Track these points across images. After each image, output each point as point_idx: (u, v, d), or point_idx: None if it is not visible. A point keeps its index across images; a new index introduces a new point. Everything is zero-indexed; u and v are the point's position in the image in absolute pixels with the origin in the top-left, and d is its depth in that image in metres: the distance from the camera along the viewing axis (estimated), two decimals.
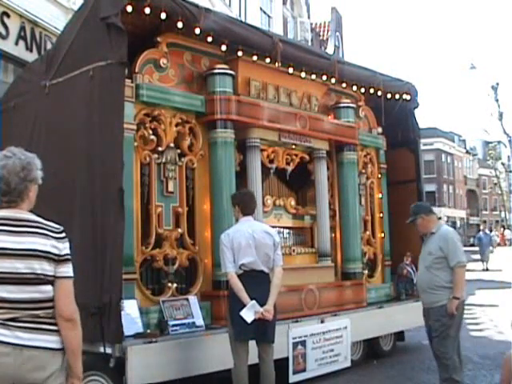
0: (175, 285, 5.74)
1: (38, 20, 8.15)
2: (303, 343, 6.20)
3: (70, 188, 5.07)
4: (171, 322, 5.31)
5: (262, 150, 6.62)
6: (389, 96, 8.15)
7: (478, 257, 25.96)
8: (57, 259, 2.55)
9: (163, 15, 5.40)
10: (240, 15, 16.20)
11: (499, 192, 47.97)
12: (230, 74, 6.24)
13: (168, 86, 5.91)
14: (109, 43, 5.00)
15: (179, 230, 5.84)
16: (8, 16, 7.71)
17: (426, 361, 7.13)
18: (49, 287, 2.54)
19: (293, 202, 7.20)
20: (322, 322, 6.53)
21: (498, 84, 34.77)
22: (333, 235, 7.59)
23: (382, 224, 8.47)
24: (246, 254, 4.94)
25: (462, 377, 5.37)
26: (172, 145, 5.87)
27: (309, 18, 23.75)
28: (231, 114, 6.09)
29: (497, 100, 34.60)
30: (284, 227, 7.06)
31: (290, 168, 7.07)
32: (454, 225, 49.22)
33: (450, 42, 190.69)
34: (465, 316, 5.53)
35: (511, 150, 34.01)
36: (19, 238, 2.52)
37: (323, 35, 26.74)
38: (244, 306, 4.79)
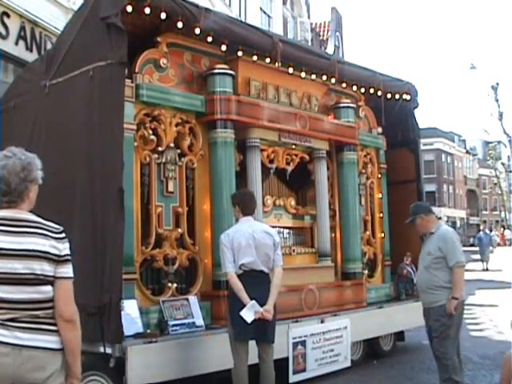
0: (175, 285, 5.74)
1: (38, 20, 8.15)
2: (303, 343, 6.20)
3: (69, 188, 5.07)
4: (171, 322, 5.31)
5: (262, 150, 6.62)
6: (389, 96, 8.15)
7: (478, 257, 25.96)
8: (56, 259, 2.55)
9: (163, 15, 5.40)
10: (240, 15, 16.20)
11: (499, 192, 47.97)
12: (230, 74, 6.24)
13: (168, 86, 5.91)
14: (109, 43, 5.00)
15: (179, 230, 5.84)
16: (8, 16, 7.71)
17: (426, 361, 7.13)
18: (48, 288, 2.54)
19: (293, 202, 7.20)
20: (322, 322, 6.54)
21: (498, 84, 34.81)
22: (333, 235, 7.59)
23: (382, 224, 8.48)
24: (245, 254, 4.94)
25: (462, 377, 5.37)
26: (172, 145, 5.87)
27: (309, 17, 23.74)
28: (231, 114, 6.09)
29: (497, 100, 34.63)
30: (284, 227, 7.06)
31: (290, 168, 7.07)
32: (453, 225, 49.23)
33: (450, 41, 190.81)
34: (465, 316, 5.53)
35: (511, 150, 34.01)
36: (19, 238, 2.52)
37: (323, 35, 26.73)
38: (244, 306, 4.79)
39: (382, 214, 8.49)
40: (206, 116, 6.09)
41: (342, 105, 7.76)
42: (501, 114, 34.07)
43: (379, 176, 8.54)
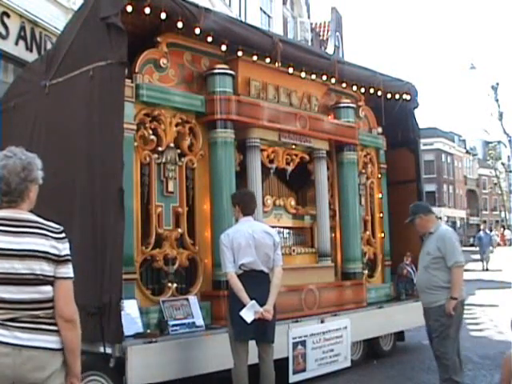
0: (175, 285, 5.74)
1: (38, 20, 8.15)
2: (303, 343, 6.20)
3: (69, 188, 5.07)
4: (171, 322, 5.31)
5: (262, 150, 6.62)
6: (389, 96, 8.15)
7: (478, 257, 25.96)
8: (56, 260, 2.55)
9: (163, 15, 5.40)
10: (240, 15, 16.20)
11: (499, 192, 47.97)
12: (230, 74, 6.24)
13: (168, 86, 5.91)
14: (109, 43, 5.00)
15: (179, 230, 5.84)
16: (8, 16, 7.71)
17: (426, 361, 7.13)
18: (48, 288, 2.54)
19: (293, 202, 7.20)
20: (322, 322, 6.54)
21: (498, 84, 34.83)
22: (333, 235, 7.59)
23: (382, 224, 8.48)
24: (245, 254, 4.94)
25: (463, 377, 5.37)
26: (172, 145, 5.87)
27: (309, 17, 23.74)
28: (231, 114, 6.09)
29: (497, 100, 34.65)
30: (284, 227, 7.06)
31: (290, 168, 7.07)
32: (453, 225, 49.22)
33: (450, 41, 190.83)
34: (465, 316, 5.53)
35: (511, 150, 34.01)
36: (18, 238, 2.52)
37: (323, 35, 26.73)
38: (244, 306, 4.79)
39: (382, 214, 8.49)
40: (205, 116, 6.09)
41: (341, 105, 7.76)
42: (501, 114, 34.09)
43: (379, 176, 8.54)
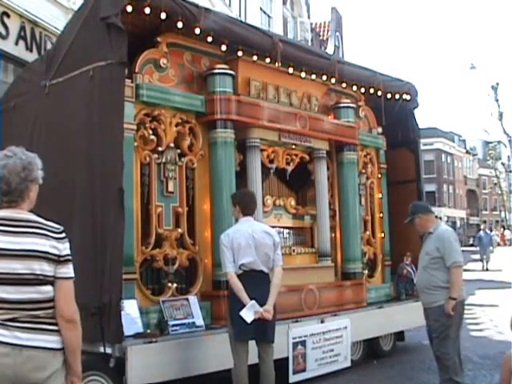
0: (175, 285, 5.74)
1: (38, 20, 8.15)
2: (303, 343, 6.20)
3: (70, 188, 5.07)
4: (171, 322, 5.31)
5: (262, 150, 6.62)
6: (389, 96, 8.15)
7: (478, 257, 25.95)
8: (57, 260, 2.55)
9: (163, 15, 5.40)
10: (240, 15, 16.20)
11: (499, 192, 47.96)
12: (230, 74, 6.24)
13: (168, 86, 5.91)
14: (109, 43, 5.00)
15: (179, 230, 5.84)
16: (8, 16, 7.71)
17: (426, 361, 7.13)
18: (48, 288, 2.54)
19: (293, 202, 7.20)
20: (322, 322, 6.54)
21: (498, 84, 34.81)
22: (333, 235, 7.59)
23: (382, 224, 8.48)
24: (245, 254, 4.94)
25: (463, 378, 5.36)
26: (172, 145, 5.87)
27: (309, 17, 23.74)
28: (231, 114, 6.09)
29: (497, 100, 34.63)
30: (284, 227, 7.05)
31: (290, 168, 7.07)
32: (453, 225, 49.22)
33: (450, 41, 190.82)
34: (465, 316, 5.53)
35: (511, 150, 33.99)
36: (19, 238, 2.52)
37: (323, 35, 26.73)
38: (244, 306, 4.79)
39: (382, 214, 8.49)
40: (205, 116, 6.09)
41: (342, 105, 7.76)
42: (501, 114, 34.07)
43: (379, 176, 8.54)
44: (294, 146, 7.07)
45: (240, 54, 6.29)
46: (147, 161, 5.65)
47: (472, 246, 38.70)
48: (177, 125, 5.92)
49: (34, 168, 2.62)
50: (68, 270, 2.59)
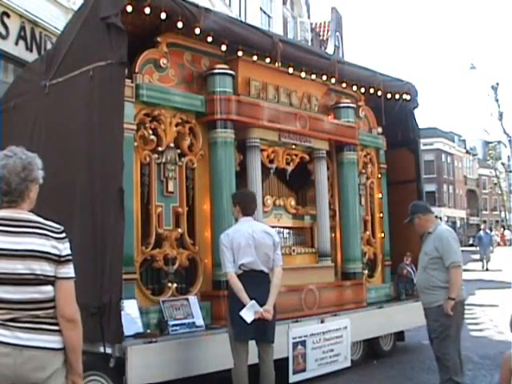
0: (175, 285, 5.74)
1: (38, 20, 8.15)
2: (303, 343, 6.20)
3: (70, 188, 5.07)
4: (171, 322, 5.31)
5: (262, 150, 6.62)
6: (389, 96, 8.15)
7: (478, 257, 25.94)
8: (57, 260, 2.55)
9: (163, 15, 5.40)
10: (240, 15, 16.20)
11: (499, 192, 47.95)
12: (230, 74, 6.24)
13: (168, 86, 5.91)
14: (109, 43, 5.00)
15: (179, 230, 5.84)
16: (8, 16, 7.71)
17: (426, 361, 7.13)
18: (49, 288, 2.54)
19: (293, 202, 7.20)
20: (322, 322, 6.53)
21: (498, 84, 34.81)
22: (333, 235, 7.59)
23: (382, 224, 8.47)
24: (245, 254, 4.94)
25: (463, 378, 5.36)
26: (172, 145, 5.87)
27: (309, 18, 23.74)
28: (231, 114, 6.09)
29: (497, 100, 34.63)
30: (284, 227, 7.05)
31: (290, 168, 7.07)
32: (453, 225, 49.21)
33: (450, 41, 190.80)
34: (465, 316, 5.52)
35: (511, 150, 33.99)
36: (19, 238, 2.52)
37: (323, 35, 26.73)
38: (244, 306, 4.79)
39: (382, 214, 8.49)
40: (205, 116, 6.09)
41: (342, 105, 7.76)
42: (501, 114, 34.07)
43: (379, 176, 8.54)
44: (293, 146, 7.07)
45: (240, 53, 6.29)
46: (147, 161, 5.65)
47: (472, 245, 38.68)
48: (177, 125, 5.92)
49: (34, 168, 2.62)
50: (69, 270, 2.59)
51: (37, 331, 2.51)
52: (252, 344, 4.99)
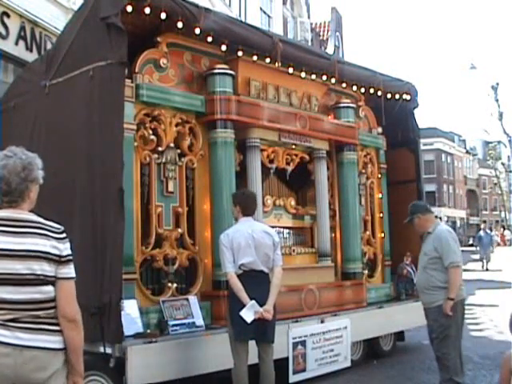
0: (175, 285, 5.74)
1: (38, 20, 8.15)
2: (303, 343, 6.20)
3: (70, 188, 5.07)
4: (171, 322, 5.31)
5: (262, 150, 6.62)
6: (389, 96, 8.15)
7: (478, 257, 25.92)
8: (58, 260, 2.55)
9: (163, 15, 5.40)
10: (240, 15, 16.20)
11: (499, 192, 47.95)
12: (230, 74, 6.24)
13: (168, 86, 5.91)
14: (109, 43, 5.00)
15: (179, 230, 5.84)
16: (8, 16, 7.71)
17: (426, 361, 7.13)
18: (49, 288, 2.54)
19: (293, 202, 7.20)
20: (322, 322, 6.53)
21: (498, 84, 34.80)
22: (333, 235, 7.59)
23: (382, 224, 8.47)
24: (245, 254, 4.94)
25: (464, 378, 5.36)
26: (172, 145, 5.87)
27: (309, 17, 23.74)
28: (231, 114, 6.09)
29: (497, 100, 34.63)
30: (284, 227, 7.05)
31: (290, 168, 7.07)
32: (453, 225, 49.21)
33: (450, 41, 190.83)
34: (465, 316, 5.51)
35: (511, 150, 33.98)
36: (19, 238, 2.51)
37: (323, 35, 26.73)
38: (244, 306, 4.79)
39: (382, 214, 8.49)
40: (205, 116, 6.09)
41: (341, 105, 7.76)
42: (501, 114, 34.07)
43: (379, 176, 8.54)
44: (294, 146, 7.07)
45: (240, 53, 6.29)
46: (147, 161, 5.65)
47: (472, 246, 38.67)
48: (177, 125, 5.92)
49: (34, 168, 2.62)
50: (69, 270, 2.59)
51: (37, 331, 2.50)
52: (252, 344, 4.99)
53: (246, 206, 5.15)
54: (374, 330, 7.39)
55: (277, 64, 6.48)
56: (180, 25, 5.59)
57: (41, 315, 2.53)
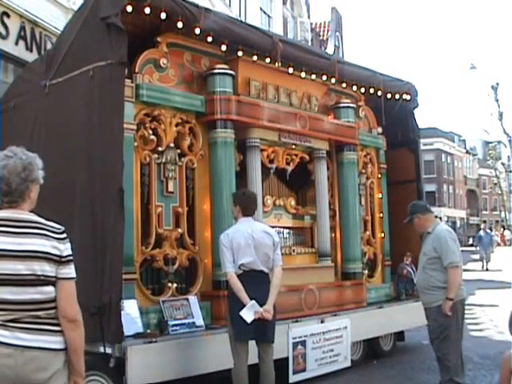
0: (175, 285, 5.74)
1: (38, 20, 8.15)
2: (303, 343, 6.20)
3: (70, 188, 5.07)
4: (171, 322, 5.31)
5: (262, 150, 6.62)
6: (389, 96, 8.15)
7: (478, 257, 25.91)
8: (58, 260, 2.55)
9: (163, 15, 5.40)
10: (240, 15, 16.20)
11: (499, 192, 47.95)
12: (230, 74, 6.24)
13: (168, 86, 5.91)
14: (109, 43, 5.00)
15: (179, 230, 5.84)
16: (8, 16, 7.71)
17: (426, 361, 7.13)
18: (50, 288, 2.53)
19: (293, 202, 7.20)
20: (322, 322, 6.54)
21: (498, 84, 34.82)
22: (333, 235, 7.59)
23: (382, 224, 8.47)
24: (245, 254, 4.94)
25: (464, 378, 5.35)
26: (172, 145, 5.87)
27: (309, 17, 23.75)
28: (231, 114, 6.09)
29: (497, 100, 34.64)
30: (284, 227, 7.05)
31: (290, 168, 7.07)
32: (453, 225, 49.21)
33: (450, 41, 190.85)
34: (465, 316, 5.51)
35: (511, 150, 33.99)
36: (20, 239, 2.51)
37: (323, 35, 26.74)
38: (244, 306, 4.79)
39: (382, 214, 8.49)
40: (205, 116, 6.09)
41: (342, 105, 7.76)
42: (501, 114, 34.08)
43: (379, 176, 8.54)
44: (294, 146, 7.07)
45: (240, 53, 6.29)
46: (147, 161, 5.65)
47: (472, 246, 38.66)
48: (177, 125, 5.92)
49: (34, 168, 2.61)
50: (70, 271, 2.58)
51: (38, 332, 2.50)
52: (252, 344, 4.99)
53: (246, 206, 5.15)
54: (374, 329, 7.39)
55: (277, 64, 6.48)
56: (180, 25, 5.59)
57: (41, 315, 2.52)
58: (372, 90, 7.91)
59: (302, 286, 6.59)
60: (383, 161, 8.59)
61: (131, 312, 5.05)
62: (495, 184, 49.49)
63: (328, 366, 6.52)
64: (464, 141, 60.75)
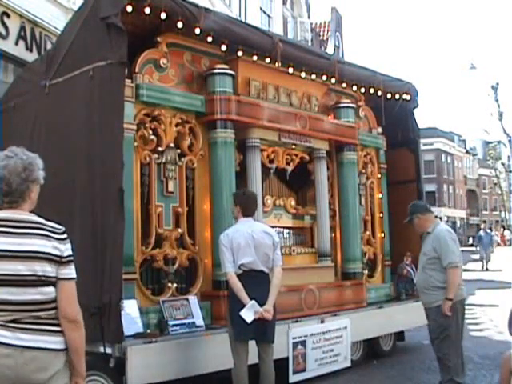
0: (175, 285, 5.74)
1: (38, 20, 8.15)
2: (303, 343, 6.20)
3: (70, 188, 5.07)
4: (171, 322, 5.31)
5: (262, 150, 6.62)
6: (389, 96, 8.15)
7: (478, 257, 25.90)
8: (59, 260, 2.54)
9: (163, 15, 5.40)
10: (240, 15, 16.20)
11: (499, 192, 47.95)
12: (230, 74, 6.24)
13: (168, 86, 5.91)
14: (109, 43, 5.00)
15: (179, 230, 5.84)
16: (8, 16, 7.71)
17: (426, 361, 7.13)
18: (50, 289, 2.53)
19: (293, 202, 7.20)
20: (322, 322, 6.54)
21: (498, 84, 34.83)
22: (333, 235, 7.59)
23: (382, 224, 8.48)
24: (245, 254, 4.94)
25: (464, 378, 5.35)
26: (172, 145, 5.87)
27: (309, 17, 23.74)
28: (231, 114, 6.09)
29: (497, 100, 34.65)
30: (284, 227, 7.05)
31: (290, 168, 7.07)
32: (453, 225, 49.21)
33: (450, 41, 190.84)
34: (465, 316, 5.51)
35: (511, 150, 33.99)
36: (20, 239, 2.51)
37: (323, 35, 26.74)
38: (244, 306, 4.79)
39: (382, 214, 8.49)
40: (205, 116, 6.09)
41: (342, 105, 7.76)
42: (501, 114, 34.09)
43: (379, 176, 8.54)
44: (294, 146, 7.07)
45: (240, 54, 6.30)
46: (147, 161, 5.65)
47: (472, 246, 38.66)
48: (177, 125, 5.92)
49: (34, 168, 2.61)
50: (70, 271, 2.58)
51: (38, 332, 2.50)
52: (252, 344, 4.99)
53: (246, 206, 5.15)
54: (374, 329, 7.39)
55: (277, 64, 6.48)
56: (180, 25, 5.59)
57: (42, 316, 2.52)
58: (372, 90, 7.92)
59: (301, 286, 6.59)
60: (383, 161, 8.59)
61: (131, 312, 5.05)
62: (495, 184, 49.49)
63: (328, 366, 6.52)
64: (464, 141, 60.75)
